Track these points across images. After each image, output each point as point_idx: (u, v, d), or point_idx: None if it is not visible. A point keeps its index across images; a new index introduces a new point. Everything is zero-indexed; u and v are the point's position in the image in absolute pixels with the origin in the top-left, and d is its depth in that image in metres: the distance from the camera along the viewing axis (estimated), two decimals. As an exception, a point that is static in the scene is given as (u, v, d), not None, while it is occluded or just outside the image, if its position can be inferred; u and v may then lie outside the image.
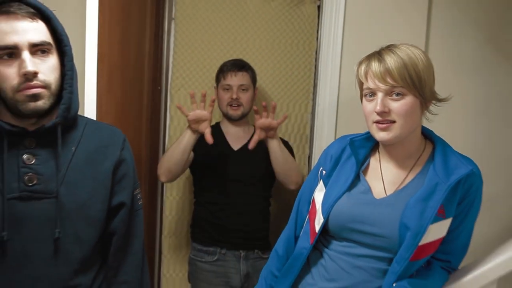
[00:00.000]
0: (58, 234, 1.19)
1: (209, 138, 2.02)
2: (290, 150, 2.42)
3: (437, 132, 1.38)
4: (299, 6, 2.64)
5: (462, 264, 1.45)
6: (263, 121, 2.05)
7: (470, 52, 2.29)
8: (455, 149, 1.34)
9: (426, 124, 1.37)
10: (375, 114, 1.23)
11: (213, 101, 2.08)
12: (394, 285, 1.23)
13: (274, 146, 2.15)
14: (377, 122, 1.24)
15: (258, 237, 2.34)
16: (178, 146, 2.11)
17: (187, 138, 2.08)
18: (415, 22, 2.27)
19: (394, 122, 1.22)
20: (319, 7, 2.58)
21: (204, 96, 2.02)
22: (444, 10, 2.29)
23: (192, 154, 2.19)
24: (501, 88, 2.29)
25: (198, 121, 2.04)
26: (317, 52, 2.58)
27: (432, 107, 1.32)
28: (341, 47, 2.32)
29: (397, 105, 1.21)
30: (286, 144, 2.43)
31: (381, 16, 2.29)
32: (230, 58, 2.40)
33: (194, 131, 2.06)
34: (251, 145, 2.08)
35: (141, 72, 2.34)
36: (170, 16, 2.69)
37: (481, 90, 2.29)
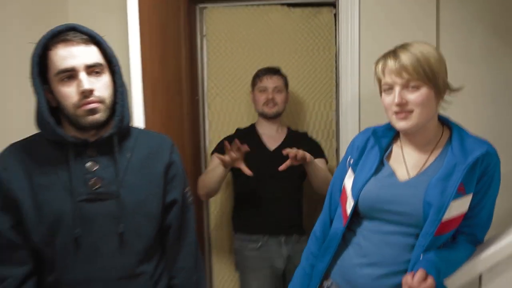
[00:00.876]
0: (122, 229, 1.22)
1: (247, 171, 2.05)
2: (318, 147, 2.44)
3: (454, 116, 1.37)
4: (316, 16, 2.64)
5: (486, 237, 1.43)
6: (289, 150, 2.02)
7: (477, 44, 2.24)
8: (471, 133, 1.32)
9: (441, 112, 1.36)
10: (394, 105, 1.24)
11: (243, 147, 2.05)
12: (421, 257, 1.22)
13: (309, 170, 2.17)
14: (396, 112, 1.24)
15: (295, 224, 2.35)
16: (213, 177, 2.16)
17: (221, 172, 2.12)
18: (425, 22, 2.24)
19: (412, 111, 1.22)
20: (335, 15, 2.56)
21: (236, 144, 2.02)
22: (451, 7, 2.26)
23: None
24: (507, 75, 2.25)
25: (233, 162, 2.06)
26: (336, 55, 2.57)
27: (446, 96, 1.31)
28: (359, 48, 2.31)
29: (414, 96, 1.21)
30: (314, 142, 2.45)
31: (393, 18, 2.27)
32: (258, 67, 2.41)
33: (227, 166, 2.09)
34: (281, 168, 2.07)
35: (180, 85, 2.37)
36: (201, 33, 2.73)
37: (489, 77, 2.25)
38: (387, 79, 1.25)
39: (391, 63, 1.23)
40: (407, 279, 1.19)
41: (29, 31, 2.09)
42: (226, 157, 1.99)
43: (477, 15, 2.24)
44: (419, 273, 1.18)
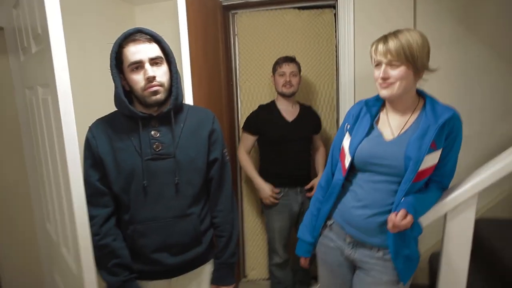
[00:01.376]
0: (177, 180, 1.25)
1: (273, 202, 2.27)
2: (319, 121, 2.44)
3: (429, 91, 1.34)
4: (320, 15, 2.57)
5: (450, 185, 1.41)
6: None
7: (447, 32, 2.16)
8: (440, 102, 1.29)
9: (419, 86, 1.33)
10: (380, 78, 1.24)
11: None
12: (402, 199, 1.22)
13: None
14: (381, 83, 1.24)
15: (307, 177, 2.36)
16: (247, 171, 2.37)
17: (255, 176, 2.32)
18: (404, 14, 2.16)
19: (393, 83, 1.22)
20: (335, 14, 2.49)
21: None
22: (425, 2, 2.17)
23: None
24: (472, 56, 2.16)
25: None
26: (336, 46, 2.51)
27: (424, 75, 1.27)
28: (354, 40, 2.26)
29: (395, 72, 1.20)
30: (316, 117, 2.44)
31: (380, 15, 2.20)
32: (278, 57, 2.35)
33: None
34: (307, 187, 2.31)
35: (219, 72, 2.36)
36: (234, 33, 2.69)
37: (458, 58, 2.17)
38: (377, 57, 1.24)
39: (380, 46, 1.22)
40: (391, 217, 1.19)
41: (106, 35, 2.11)
42: (268, 200, 2.26)
43: (447, 7, 2.15)
44: (401, 212, 1.18)
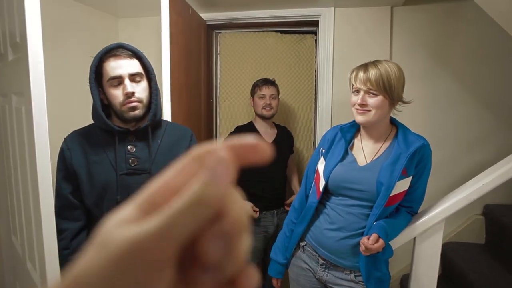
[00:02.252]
0: None
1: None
2: (292, 141, 2.44)
3: (402, 120, 1.38)
4: (302, 41, 2.63)
5: (420, 210, 1.45)
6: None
7: (419, 65, 2.25)
8: (412, 130, 1.34)
9: (393, 115, 1.37)
10: (357, 104, 1.27)
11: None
12: (374, 223, 1.24)
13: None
14: (358, 109, 1.28)
15: (282, 199, 2.35)
16: None
17: None
18: (381, 47, 2.25)
19: (369, 110, 1.26)
20: (315, 40, 2.56)
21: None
22: (400, 37, 2.26)
23: None
24: (442, 88, 2.26)
25: None
26: (315, 71, 2.57)
27: (398, 106, 1.32)
28: (332, 66, 2.32)
29: (372, 101, 1.24)
30: (290, 136, 2.44)
31: (358, 44, 2.28)
32: (258, 78, 2.37)
33: None
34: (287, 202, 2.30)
35: (199, 90, 2.36)
36: (216, 52, 2.72)
37: (428, 90, 2.27)
38: (357, 84, 1.28)
39: (361, 73, 1.26)
40: (363, 240, 1.21)
41: (88, 46, 2.09)
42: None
43: (421, 42, 2.25)
44: (373, 236, 1.20)
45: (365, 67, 1.27)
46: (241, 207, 0.21)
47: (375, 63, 1.27)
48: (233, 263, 0.20)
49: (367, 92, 1.25)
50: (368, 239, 1.20)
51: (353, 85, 1.31)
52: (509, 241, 1.95)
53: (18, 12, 1.16)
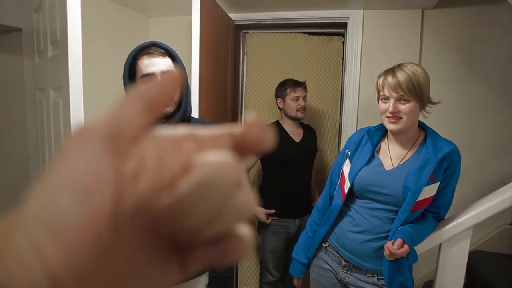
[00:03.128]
0: None
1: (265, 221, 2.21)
2: (315, 136, 2.42)
3: (430, 124, 1.36)
4: (329, 42, 2.61)
5: (447, 216, 1.42)
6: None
7: (448, 69, 2.20)
8: (441, 135, 1.31)
9: (421, 119, 1.35)
10: (388, 112, 1.24)
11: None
12: (399, 228, 1.23)
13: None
14: (389, 117, 1.25)
15: (307, 205, 2.31)
16: None
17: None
18: (410, 50, 2.21)
19: (401, 118, 1.23)
20: (343, 42, 2.54)
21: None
22: (431, 40, 2.22)
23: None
24: (471, 94, 2.20)
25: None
26: (342, 73, 2.55)
27: (427, 108, 1.30)
28: (360, 68, 2.30)
29: (404, 107, 1.22)
30: (315, 133, 2.42)
31: (386, 46, 2.25)
32: (283, 79, 2.34)
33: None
34: None
35: (226, 89, 2.39)
36: (243, 52, 2.74)
37: (457, 96, 2.21)
38: (385, 92, 1.24)
39: (390, 79, 1.23)
40: (388, 245, 1.20)
41: (120, 44, 2.15)
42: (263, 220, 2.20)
43: (452, 45, 2.20)
44: (398, 241, 1.19)
45: (392, 72, 1.24)
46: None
47: (400, 66, 1.24)
48: (225, 220, 0.19)
49: (398, 99, 1.22)
50: (393, 243, 1.19)
51: (380, 91, 1.28)
52: (539, 253, 1.88)
53: (60, 11, 1.22)
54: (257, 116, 0.21)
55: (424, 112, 1.30)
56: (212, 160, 0.18)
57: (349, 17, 2.31)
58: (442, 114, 2.12)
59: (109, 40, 2.13)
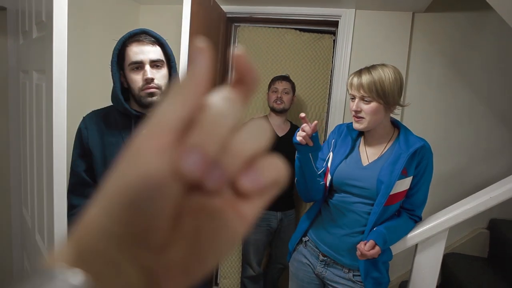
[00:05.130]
0: None
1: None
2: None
3: (416, 127, 1.39)
4: (320, 40, 2.62)
5: (424, 218, 1.45)
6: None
7: (438, 73, 2.24)
8: (424, 138, 1.34)
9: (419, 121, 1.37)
10: (353, 111, 1.29)
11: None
12: (374, 229, 1.27)
13: None
14: (354, 116, 1.30)
15: (288, 201, 2.37)
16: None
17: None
18: (399, 52, 2.24)
19: (363, 117, 1.28)
20: (334, 40, 2.55)
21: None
22: (419, 44, 2.25)
23: None
24: (457, 98, 2.24)
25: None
26: (331, 70, 2.56)
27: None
28: (349, 67, 2.32)
29: (366, 107, 1.26)
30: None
31: (376, 47, 2.27)
32: (274, 74, 2.39)
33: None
34: None
35: (214, 82, 2.38)
36: (234, 44, 2.73)
37: (444, 98, 2.24)
38: (351, 91, 1.29)
39: (355, 79, 1.28)
40: (360, 246, 1.24)
41: (109, 30, 2.12)
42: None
43: (439, 50, 2.23)
44: (370, 243, 1.23)
45: (359, 73, 1.28)
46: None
47: (369, 69, 1.28)
48: (231, 158, 0.21)
49: (361, 98, 1.26)
50: (365, 244, 1.23)
51: (349, 91, 1.33)
52: (512, 257, 1.94)
53: (46, -9, 1.19)
54: (243, 49, 0.24)
55: (395, 110, 1.34)
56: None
57: (340, 16, 2.32)
58: (427, 117, 2.16)
59: (98, 25, 2.09)
